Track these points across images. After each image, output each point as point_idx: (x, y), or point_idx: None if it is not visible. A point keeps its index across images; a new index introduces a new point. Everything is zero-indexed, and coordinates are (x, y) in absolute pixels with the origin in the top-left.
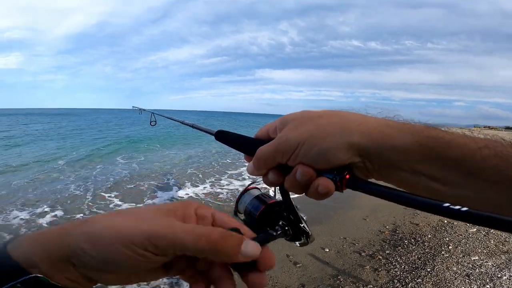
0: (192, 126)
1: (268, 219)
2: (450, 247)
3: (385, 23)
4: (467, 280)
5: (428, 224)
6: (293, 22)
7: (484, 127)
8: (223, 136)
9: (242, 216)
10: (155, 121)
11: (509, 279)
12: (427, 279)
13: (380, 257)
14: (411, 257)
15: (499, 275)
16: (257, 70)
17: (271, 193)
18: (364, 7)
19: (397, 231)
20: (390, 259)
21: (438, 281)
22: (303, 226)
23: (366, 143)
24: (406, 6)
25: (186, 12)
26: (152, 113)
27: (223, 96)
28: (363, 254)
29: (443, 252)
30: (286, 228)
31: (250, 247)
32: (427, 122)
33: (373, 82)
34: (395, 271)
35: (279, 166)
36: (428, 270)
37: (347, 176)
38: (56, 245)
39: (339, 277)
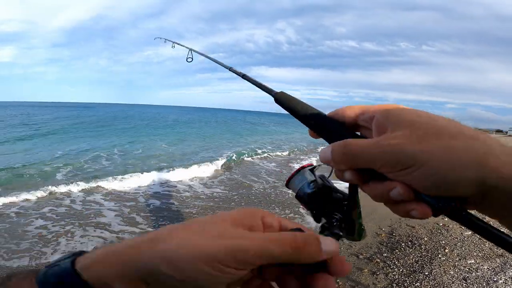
0: (243, 77)
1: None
2: (446, 250)
3: (381, 25)
4: (464, 284)
5: (424, 227)
6: (290, 21)
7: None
8: (286, 100)
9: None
10: (192, 58)
11: (505, 283)
12: (425, 283)
13: (378, 260)
14: (409, 260)
15: (495, 279)
16: (254, 68)
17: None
18: (360, 8)
19: (394, 234)
20: (388, 262)
21: (436, 284)
22: (361, 222)
23: (497, 180)
24: (401, 8)
25: (183, 9)
26: (190, 49)
27: (218, 93)
28: (360, 257)
29: (439, 255)
30: (342, 224)
31: (329, 244)
32: None
33: (367, 83)
34: (394, 274)
35: (366, 169)
36: (426, 273)
37: (453, 205)
38: (129, 266)
39: (337, 281)
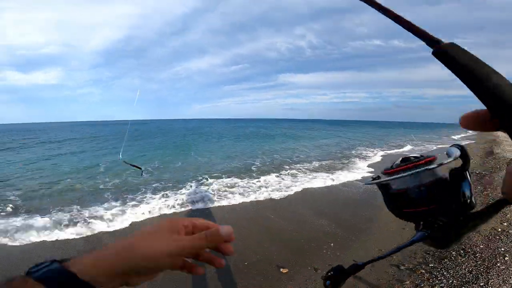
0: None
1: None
2: (506, 258)
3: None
4: None
5: (479, 233)
6: (308, 26)
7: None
8: (453, 55)
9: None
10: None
11: None
12: None
13: (423, 271)
14: (460, 270)
15: None
16: (279, 75)
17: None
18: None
19: None
20: (435, 273)
21: None
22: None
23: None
24: (421, 3)
25: (203, 24)
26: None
27: (246, 103)
28: (402, 267)
29: (498, 264)
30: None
31: (226, 229)
32: None
33: (401, 81)
34: (441, 286)
35: None
36: (481, 284)
37: None
38: (117, 266)
39: None
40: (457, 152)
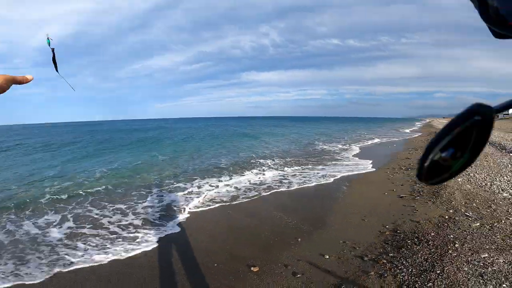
0: None
1: None
2: (456, 245)
3: (360, 21)
4: (481, 281)
5: (429, 221)
6: (272, 24)
7: None
8: None
9: None
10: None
11: None
12: (438, 282)
13: (385, 261)
14: (417, 258)
15: None
16: (242, 73)
17: None
18: (338, 6)
19: (398, 231)
20: (395, 262)
21: (450, 283)
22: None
23: None
24: (377, 3)
25: (166, 20)
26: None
27: (210, 101)
28: (365, 258)
29: (450, 251)
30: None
31: (27, 76)
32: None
33: (356, 79)
34: (402, 275)
35: None
36: (438, 272)
37: None
38: None
39: (342, 287)
40: None
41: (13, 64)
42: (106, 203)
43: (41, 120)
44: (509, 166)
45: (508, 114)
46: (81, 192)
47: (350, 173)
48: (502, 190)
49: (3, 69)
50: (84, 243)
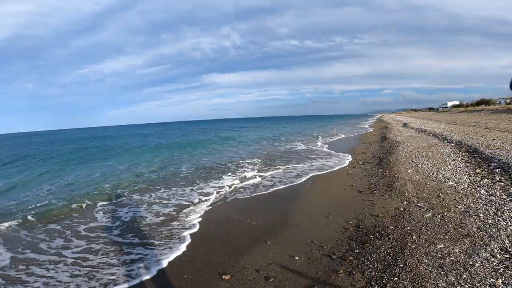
0: None
1: None
2: (414, 237)
3: (316, 22)
4: (442, 272)
5: (387, 214)
6: (234, 26)
7: (411, 110)
8: None
9: None
10: None
11: (483, 266)
12: (403, 276)
13: (351, 258)
14: (381, 253)
15: (470, 262)
16: (203, 76)
17: None
18: (298, 8)
19: (361, 226)
20: (362, 258)
21: (414, 277)
22: None
23: None
24: (331, 5)
25: (118, 22)
26: None
27: (170, 106)
28: (333, 257)
29: (409, 243)
30: None
31: None
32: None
33: (314, 78)
34: (370, 272)
35: None
36: (401, 265)
37: None
38: None
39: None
40: None
41: None
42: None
43: None
44: (452, 155)
45: (447, 107)
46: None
47: (314, 172)
48: (448, 179)
49: None
50: None
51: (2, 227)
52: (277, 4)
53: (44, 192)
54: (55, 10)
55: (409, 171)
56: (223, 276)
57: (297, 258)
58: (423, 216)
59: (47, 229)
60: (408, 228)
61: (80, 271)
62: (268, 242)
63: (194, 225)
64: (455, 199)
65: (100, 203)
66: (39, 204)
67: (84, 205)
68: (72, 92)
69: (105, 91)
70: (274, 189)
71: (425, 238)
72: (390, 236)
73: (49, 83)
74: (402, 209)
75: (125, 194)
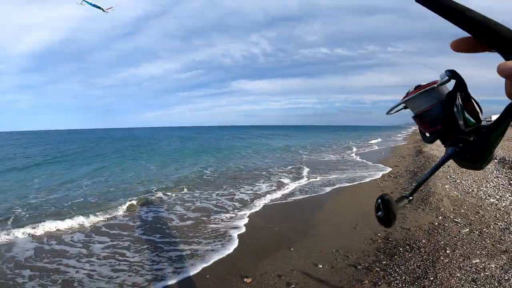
0: None
1: None
2: (447, 251)
3: (347, 30)
4: (474, 286)
5: (420, 228)
6: (262, 33)
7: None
8: None
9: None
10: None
11: None
12: None
13: (378, 269)
14: (410, 266)
15: (506, 277)
16: (233, 82)
17: None
18: (326, 16)
19: (390, 238)
20: (389, 270)
21: None
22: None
23: None
24: (362, 13)
25: (156, 28)
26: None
27: (200, 110)
28: (359, 267)
29: (442, 258)
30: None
31: None
32: None
33: (344, 87)
34: (396, 283)
35: None
36: (431, 279)
37: None
38: None
39: None
40: (445, 77)
41: None
42: None
43: (24, 128)
44: (494, 172)
45: (491, 120)
46: None
47: (343, 183)
48: (489, 196)
49: None
50: None
51: (88, 223)
52: (306, 13)
53: (99, 188)
54: (100, 15)
55: (446, 186)
56: (245, 279)
57: (321, 266)
58: (459, 231)
59: (97, 224)
60: (442, 242)
61: (122, 265)
62: (292, 249)
63: (219, 228)
64: (496, 216)
65: (156, 197)
66: (94, 200)
67: (135, 202)
68: (112, 94)
69: (141, 94)
70: (301, 197)
71: (460, 252)
72: (421, 250)
73: (93, 85)
74: (436, 223)
75: (153, 193)
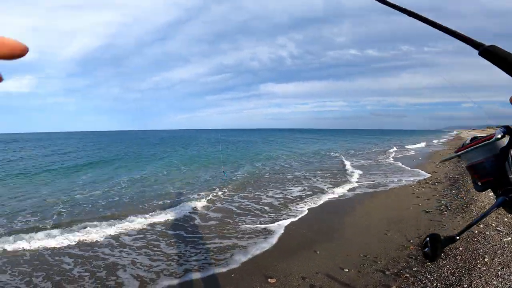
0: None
1: None
2: (486, 260)
3: (378, 30)
4: None
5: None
6: (289, 36)
7: (497, 127)
8: (496, 53)
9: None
10: None
11: None
12: None
13: (408, 275)
14: (443, 273)
15: None
16: (261, 85)
17: None
18: (354, 16)
19: None
20: (419, 276)
21: None
22: None
23: None
24: (392, 12)
25: (185, 32)
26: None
27: (228, 114)
28: (387, 272)
29: (479, 265)
30: None
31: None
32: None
33: (377, 90)
34: None
35: None
36: (465, 286)
37: None
38: None
39: None
40: (500, 133)
41: (45, 74)
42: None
43: (69, 129)
44: None
45: None
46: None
47: (376, 188)
48: None
49: (36, 78)
50: None
51: (132, 227)
52: (331, 14)
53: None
54: (134, 20)
55: (490, 194)
56: (269, 279)
57: (347, 270)
58: (501, 239)
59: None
60: (481, 250)
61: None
62: (318, 252)
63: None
64: None
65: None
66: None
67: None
68: (146, 97)
69: (172, 97)
70: (329, 199)
71: (499, 261)
72: (457, 257)
73: (129, 88)
74: (476, 231)
75: (183, 193)
